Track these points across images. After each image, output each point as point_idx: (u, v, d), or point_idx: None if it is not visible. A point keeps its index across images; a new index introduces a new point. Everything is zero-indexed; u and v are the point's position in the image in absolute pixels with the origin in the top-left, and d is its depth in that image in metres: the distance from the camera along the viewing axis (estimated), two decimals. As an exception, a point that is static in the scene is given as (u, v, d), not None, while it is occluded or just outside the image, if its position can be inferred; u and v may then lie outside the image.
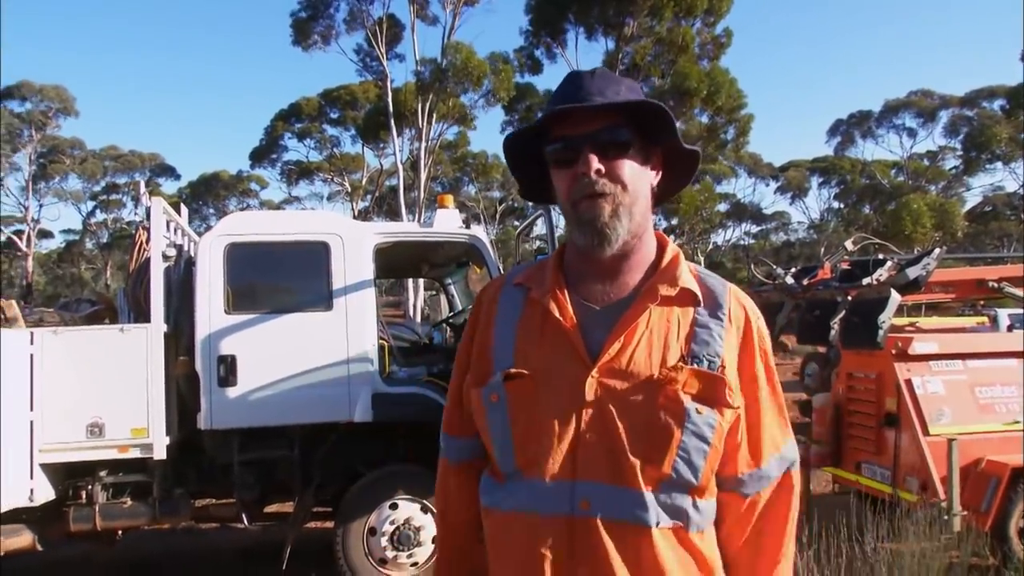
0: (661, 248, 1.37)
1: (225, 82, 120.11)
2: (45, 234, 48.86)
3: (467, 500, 1.42)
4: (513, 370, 1.28)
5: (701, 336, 1.28)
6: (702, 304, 1.31)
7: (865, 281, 5.92)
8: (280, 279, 5.60)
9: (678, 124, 1.31)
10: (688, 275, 1.33)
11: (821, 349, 5.79)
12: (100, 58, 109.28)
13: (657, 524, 1.21)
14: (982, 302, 14.77)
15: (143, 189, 6.15)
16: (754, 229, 56.14)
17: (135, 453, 4.98)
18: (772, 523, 1.36)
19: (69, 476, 5.14)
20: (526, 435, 1.26)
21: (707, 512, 1.28)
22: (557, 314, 1.29)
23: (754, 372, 1.32)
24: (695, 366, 1.25)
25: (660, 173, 1.36)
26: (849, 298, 6.01)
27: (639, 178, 1.29)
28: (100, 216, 48.70)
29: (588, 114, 1.26)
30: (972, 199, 44.66)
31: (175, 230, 5.91)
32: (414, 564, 5.37)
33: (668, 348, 1.26)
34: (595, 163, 1.24)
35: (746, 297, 1.39)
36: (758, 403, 1.33)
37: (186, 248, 5.98)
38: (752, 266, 9.42)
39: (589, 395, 1.23)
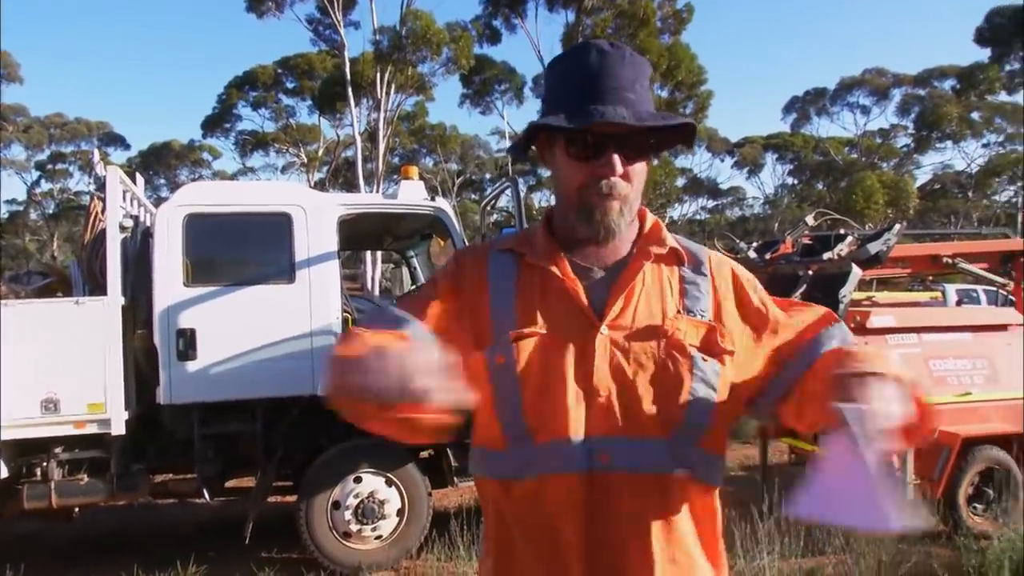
0: (640, 216, 1.40)
1: (176, 49, 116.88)
2: (-13, 204, 47.42)
3: None
4: (525, 330, 1.28)
5: (691, 292, 1.33)
6: (686, 263, 1.36)
7: (826, 256, 6.00)
8: (241, 251, 5.49)
9: None
10: (671, 238, 1.38)
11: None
12: (44, 24, 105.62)
13: (674, 472, 1.24)
14: (931, 277, 15.14)
15: (96, 158, 5.96)
16: (710, 204, 56.81)
17: (92, 429, 4.88)
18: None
19: (23, 453, 5.01)
20: (538, 395, 1.25)
21: (714, 466, 1.30)
22: (560, 275, 1.30)
23: (757, 306, 1.37)
24: (691, 318, 1.30)
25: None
26: (810, 272, 6.09)
27: (645, 172, 1.32)
28: (45, 186, 47.44)
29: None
30: (922, 177, 45.71)
31: (131, 200, 5.76)
32: (379, 537, 5.36)
33: (666, 302, 1.31)
34: (619, 168, 1.25)
35: (721, 254, 1.44)
36: (778, 320, 1.37)
37: (142, 219, 5.82)
38: (714, 240, 9.50)
39: (600, 351, 1.25)
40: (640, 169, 1.29)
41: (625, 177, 1.26)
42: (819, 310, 1.40)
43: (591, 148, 1.26)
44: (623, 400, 1.24)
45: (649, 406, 1.23)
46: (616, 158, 1.24)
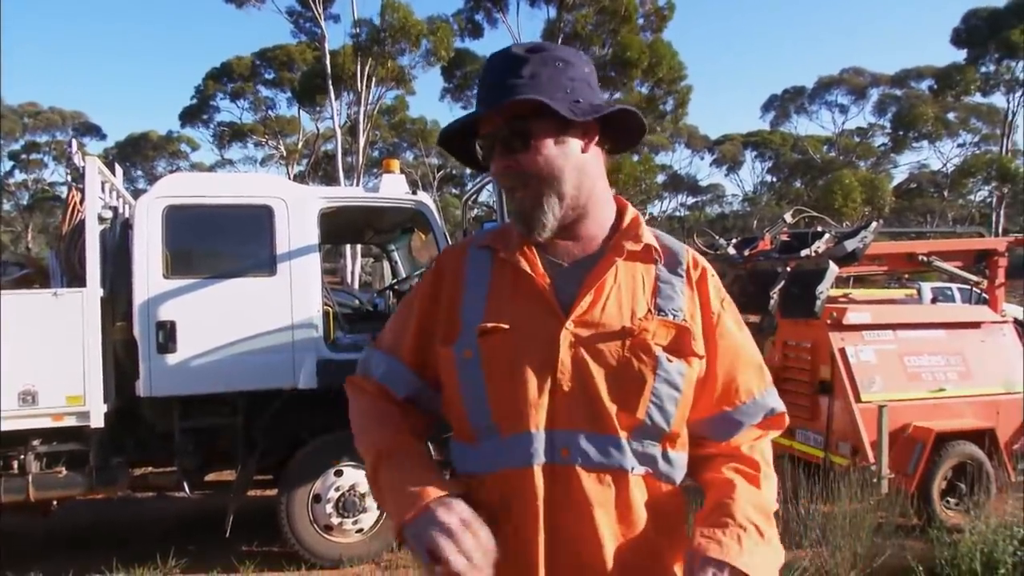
0: (620, 211, 1.40)
1: (154, 39, 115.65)
2: (-41, 195, 46.65)
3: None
4: (489, 324, 1.29)
5: (665, 291, 1.33)
6: (662, 261, 1.36)
7: (804, 253, 6.06)
8: (221, 243, 5.45)
9: (617, 95, 1.32)
10: (649, 234, 1.37)
11: (753, 318, 5.91)
12: (15, 12, 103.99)
13: (632, 470, 1.25)
14: (907, 275, 15.31)
15: (74, 148, 5.88)
16: (690, 201, 57.06)
17: (71, 421, 4.83)
18: (749, 464, 1.36)
19: (0, 445, 4.96)
20: (502, 389, 1.27)
21: (676, 463, 1.32)
22: (528, 270, 1.31)
23: (717, 323, 1.37)
24: (662, 318, 1.30)
25: (595, 137, 1.34)
26: (788, 269, 6.15)
27: (558, 158, 1.29)
28: (19, 176, 46.72)
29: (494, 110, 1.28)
30: (899, 176, 46.20)
31: (110, 191, 5.70)
32: (360, 530, 5.37)
33: (636, 301, 1.31)
34: (501, 164, 1.29)
35: (701, 256, 1.44)
36: (727, 352, 1.37)
37: (121, 210, 5.77)
38: (694, 236, 9.56)
39: (564, 347, 1.26)
40: (537, 158, 1.27)
41: (523, 168, 1.27)
42: (748, 384, 1.38)
43: (485, 150, 1.32)
44: (585, 396, 1.25)
45: (609, 403, 1.25)
46: (497, 155, 1.29)
